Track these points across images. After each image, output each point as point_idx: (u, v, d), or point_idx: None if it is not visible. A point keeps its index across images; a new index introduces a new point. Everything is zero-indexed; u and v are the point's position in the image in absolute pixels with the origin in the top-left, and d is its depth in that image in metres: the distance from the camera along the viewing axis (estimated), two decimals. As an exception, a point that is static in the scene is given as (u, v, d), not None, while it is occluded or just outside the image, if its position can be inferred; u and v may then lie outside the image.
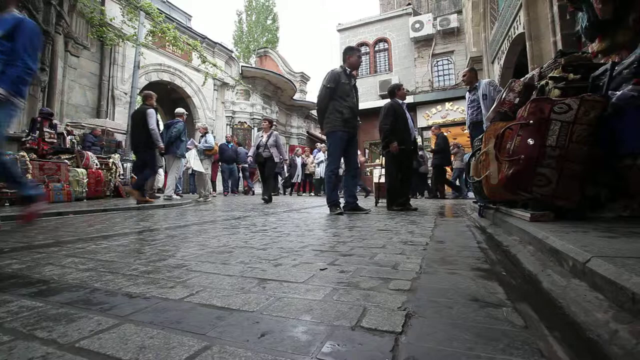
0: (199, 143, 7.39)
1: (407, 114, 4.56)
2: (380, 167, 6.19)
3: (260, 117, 14.65)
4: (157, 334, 0.72)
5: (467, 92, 4.90)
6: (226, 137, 11.29)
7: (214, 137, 8.73)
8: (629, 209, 1.76)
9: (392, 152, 4.29)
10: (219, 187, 11.18)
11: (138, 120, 5.35)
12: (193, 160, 6.96)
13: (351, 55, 4.08)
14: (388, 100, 4.67)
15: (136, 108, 5.90)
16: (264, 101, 15.05)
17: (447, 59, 15.29)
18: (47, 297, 0.97)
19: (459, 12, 14.43)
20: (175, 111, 6.97)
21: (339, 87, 3.87)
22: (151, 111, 5.35)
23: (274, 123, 7.53)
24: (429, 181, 10.35)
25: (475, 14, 10.80)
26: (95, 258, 1.51)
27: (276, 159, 6.43)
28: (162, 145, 5.58)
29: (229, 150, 10.23)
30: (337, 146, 3.90)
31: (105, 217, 3.62)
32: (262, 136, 6.57)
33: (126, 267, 1.34)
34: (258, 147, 6.50)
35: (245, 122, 14.21)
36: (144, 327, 0.76)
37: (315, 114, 20.36)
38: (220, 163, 10.23)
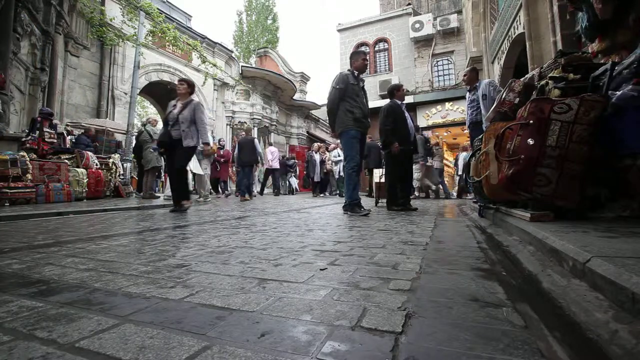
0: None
1: (407, 114, 4.56)
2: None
3: (260, 117, 14.65)
4: (157, 334, 0.72)
5: (467, 92, 4.90)
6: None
7: (214, 137, 8.74)
8: (629, 209, 1.76)
9: (393, 152, 4.29)
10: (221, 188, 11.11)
11: (247, 145, 7.75)
12: (192, 163, 6.92)
13: (356, 59, 4.12)
14: (387, 101, 4.68)
15: (243, 135, 8.35)
16: (264, 101, 15.05)
17: (447, 59, 15.30)
18: (47, 297, 0.97)
19: (459, 12, 14.43)
20: (175, 111, 6.96)
21: (348, 88, 3.90)
22: (256, 140, 8.02)
23: (197, 87, 4.32)
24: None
25: (475, 14, 10.80)
26: (95, 258, 1.51)
27: (190, 142, 4.09)
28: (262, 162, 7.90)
29: None
30: (352, 144, 3.89)
31: (105, 217, 3.62)
32: (174, 105, 4.23)
33: (126, 267, 1.34)
34: (167, 123, 4.19)
35: (245, 122, 14.21)
36: (144, 327, 0.76)
37: (315, 114, 20.38)
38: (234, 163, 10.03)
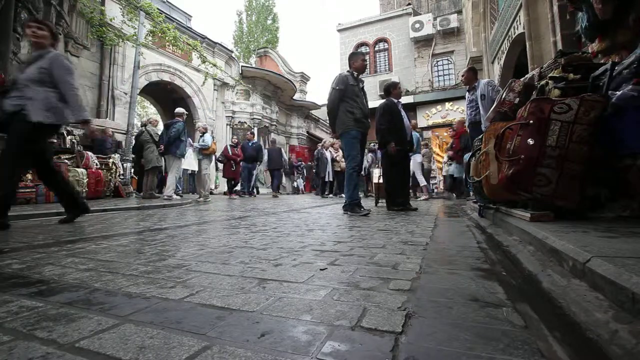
0: (197, 143, 7.43)
1: (403, 113, 4.54)
2: (379, 167, 6.18)
3: (260, 117, 14.64)
4: (157, 334, 0.72)
5: (467, 92, 4.90)
6: (247, 136, 10.65)
7: (214, 137, 8.73)
8: (629, 209, 1.76)
9: (389, 152, 4.27)
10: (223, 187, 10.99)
11: (276, 154, 10.15)
12: (186, 159, 6.93)
13: (355, 60, 4.13)
14: (383, 100, 4.65)
15: (269, 147, 10.70)
16: (264, 101, 15.04)
17: (447, 59, 15.31)
18: (47, 297, 0.97)
19: (459, 12, 14.44)
20: (175, 111, 6.98)
21: (348, 89, 3.91)
22: (283, 149, 10.05)
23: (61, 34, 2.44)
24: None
25: (475, 14, 10.80)
26: (95, 258, 1.51)
27: (38, 116, 2.50)
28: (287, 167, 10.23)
29: (249, 149, 9.57)
30: (353, 144, 3.91)
31: (105, 217, 3.62)
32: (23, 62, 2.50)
33: (126, 267, 1.34)
34: (4, 89, 2.67)
35: (245, 122, 14.21)
36: (144, 327, 0.76)
37: (315, 114, 20.39)
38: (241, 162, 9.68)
